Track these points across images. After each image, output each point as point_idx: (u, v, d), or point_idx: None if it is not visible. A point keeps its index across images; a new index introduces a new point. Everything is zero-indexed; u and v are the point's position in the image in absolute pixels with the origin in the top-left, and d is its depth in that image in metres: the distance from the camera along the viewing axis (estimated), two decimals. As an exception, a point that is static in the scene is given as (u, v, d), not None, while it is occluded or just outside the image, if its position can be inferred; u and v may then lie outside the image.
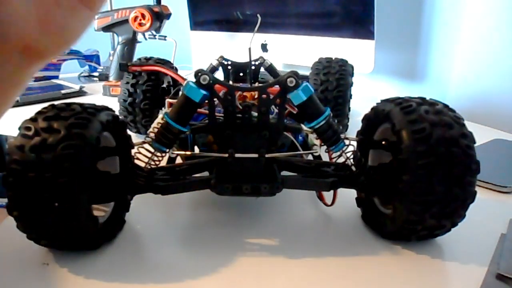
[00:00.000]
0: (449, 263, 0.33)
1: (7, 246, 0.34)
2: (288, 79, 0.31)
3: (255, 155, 0.33)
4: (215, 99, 0.32)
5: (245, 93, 0.41)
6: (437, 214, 0.31)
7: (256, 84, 0.46)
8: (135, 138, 0.60)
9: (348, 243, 0.35)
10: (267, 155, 0.33)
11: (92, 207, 0.31)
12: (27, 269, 0.31)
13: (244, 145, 0.33)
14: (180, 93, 0.32)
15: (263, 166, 0.33)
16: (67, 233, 0.30)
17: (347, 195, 0.38)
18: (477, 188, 0.31)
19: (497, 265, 0.31)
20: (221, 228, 0.37)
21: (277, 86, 0.32)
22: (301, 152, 0.36)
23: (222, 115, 0.33)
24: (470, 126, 0.32)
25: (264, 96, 0.32)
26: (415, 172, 0.30)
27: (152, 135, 0.33)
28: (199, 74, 0.31)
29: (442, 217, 0.31)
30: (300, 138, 0.41)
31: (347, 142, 0.34)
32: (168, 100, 0.58)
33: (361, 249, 0.34)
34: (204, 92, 0.31)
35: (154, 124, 0.41)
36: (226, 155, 0.33)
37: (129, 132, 0.36)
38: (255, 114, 0.33)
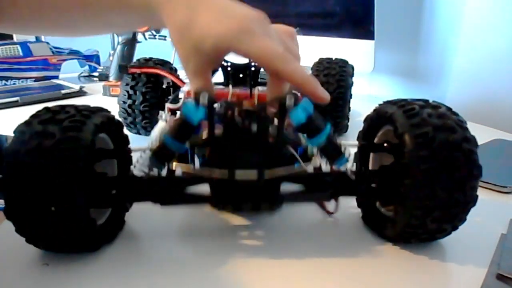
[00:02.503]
0: (449, 263, 0.33)
1: (7, 246, 0.33)
2: (288, 99, 0.30)
3: (255, 173, 0.33)
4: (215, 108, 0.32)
5: (244, 102, 0.41)
6: (438, 218, 0.31)
7: (256, 88, 0.46)
8: (136, 139, 0.61)
9: (348, 243, 0.35)
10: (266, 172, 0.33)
11: (90, 210, 0.30)
12: (27, 270, 0.31)
13: (243, 162, 0.33)
14: (178, 113, 0.32)
15: (263, 183, 0.33)
16: (65, 236, 0.30)
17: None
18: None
19: (497, 265, 0.31)
20: (222, 230, 0.37)
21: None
22: (301, 165, 0.35)
23: (221, 125, 0.33)
24: (470, 126, 0.32)
25: (263, 113, 0.32)
26: (417, 177, 0.30)
27: (153, 144, 0.33)
28: (198, 93, 0.30)
29: (443, 221, 0.31)
30: (300, 148, 0.41)
31: (347, 153, 0.33)
32: (167, 106, 0.57)
33: (361, 249, 0.34)
34: (202, 114, 0.30)
35: (154, 133, 0.40)
36: (226, 173, 0.32)
37: (129, 133, 0.36)
38: (255, 127, 0.33)
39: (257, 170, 0.32)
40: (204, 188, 0.34)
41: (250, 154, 0.33)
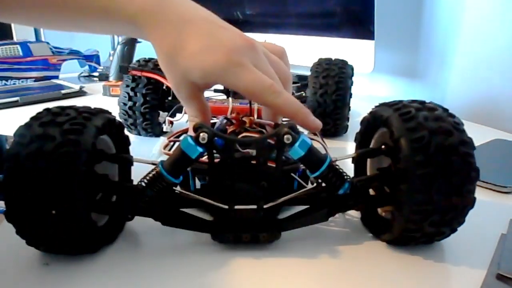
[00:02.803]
0: (449, 263, 0.33)
1: (7, 245, 0.34)
2: (285, 137, 0.30)
3: (254, 207, 0.33)
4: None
5: (244, 118, 0.41)
6: (436, 222, 0.31)
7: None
8: (136, 140, 0.61)
9: (347, 243, 0.35)
10: (266, 205, 0.33)
11: (91, 213, 0.30)
12: (27, 269, 0.31)
13: (243, 195, 0.33)
14: (177, 146, 0.32)
15: (262, 216, 0.33)
16: (66, 239, 0.30)
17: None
18: (477, 188, 0.31)
19: (497, 265, 0.31)
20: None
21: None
22: (299, 192, 0.35)
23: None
24: (470, 126, 0.32)
25: (262, 146, 0.32)
26: (413, 182, 0.30)
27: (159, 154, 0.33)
28: (199, 130, 0.30)
29: (441, 225, 0.31)
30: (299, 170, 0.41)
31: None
32: (168, 119, 0.57)
33: (360, 249, 0.34)
34: (201, 149, 0.30)
35: (156, 150, 0.40)
36: (226, 206, 0.33)
37: (130, 134, 0.36)
38: (254, 152, 0.33)
39: (257, 206, 0.33)
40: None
41: (250, 189, 0.33)
